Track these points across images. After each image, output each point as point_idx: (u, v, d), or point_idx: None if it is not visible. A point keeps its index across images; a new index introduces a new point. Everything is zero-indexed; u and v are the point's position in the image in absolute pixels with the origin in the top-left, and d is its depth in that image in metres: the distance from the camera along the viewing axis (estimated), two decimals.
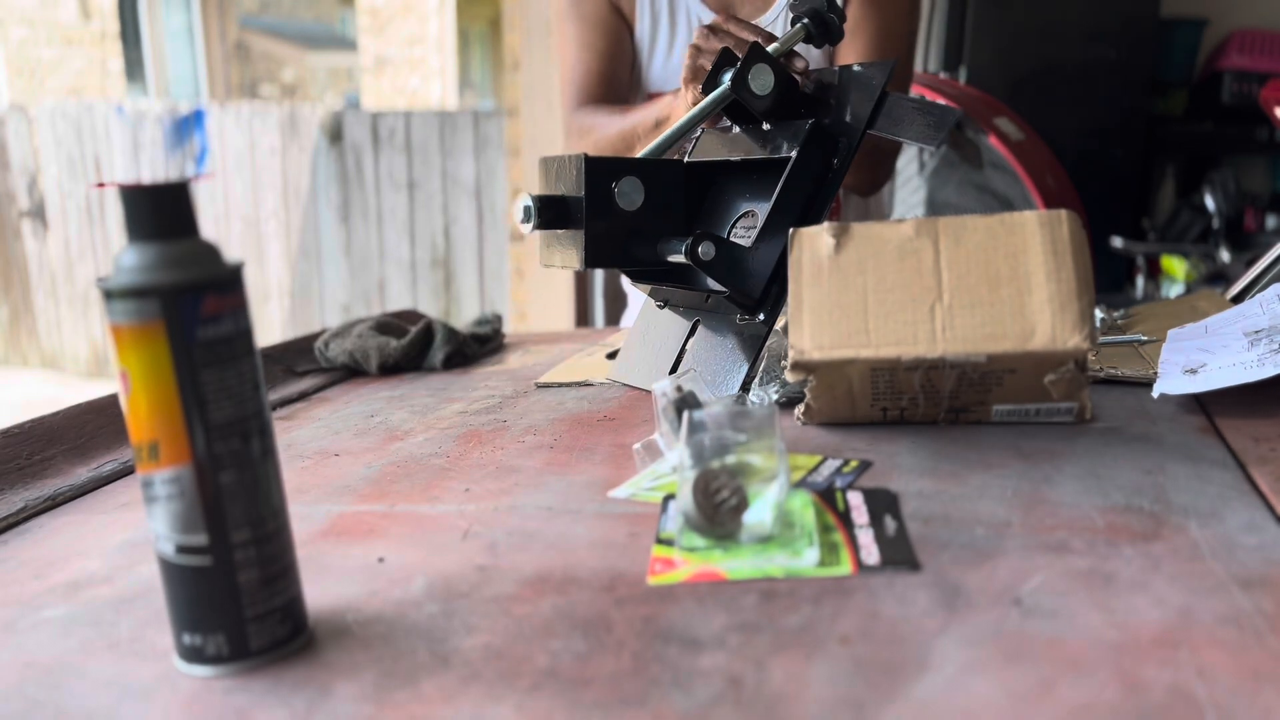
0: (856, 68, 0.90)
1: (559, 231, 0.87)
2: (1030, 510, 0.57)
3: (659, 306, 0.97)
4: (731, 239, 0.91)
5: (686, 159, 0.97)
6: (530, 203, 0.85)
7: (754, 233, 0.85)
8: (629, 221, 0.86)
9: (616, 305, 2.89)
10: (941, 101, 0.87)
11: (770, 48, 0.92)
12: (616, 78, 1.29)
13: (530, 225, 0.85)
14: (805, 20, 0.97)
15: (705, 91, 0.93)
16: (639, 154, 1.16)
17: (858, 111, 0.87)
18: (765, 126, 0.92)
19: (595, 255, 0.85)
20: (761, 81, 0.89)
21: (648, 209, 0.87)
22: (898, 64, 1.20)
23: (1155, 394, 0.74)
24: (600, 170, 0.85)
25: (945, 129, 0.82)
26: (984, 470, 0.64)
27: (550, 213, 0.86)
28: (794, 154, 0.85)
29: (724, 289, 0.84)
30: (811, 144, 0.85)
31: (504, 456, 0.75)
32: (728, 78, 0.90)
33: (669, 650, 0.44)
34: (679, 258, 0.82)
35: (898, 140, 1.23)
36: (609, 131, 1.20)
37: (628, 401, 0.90)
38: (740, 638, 0.45)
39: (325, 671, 0.45)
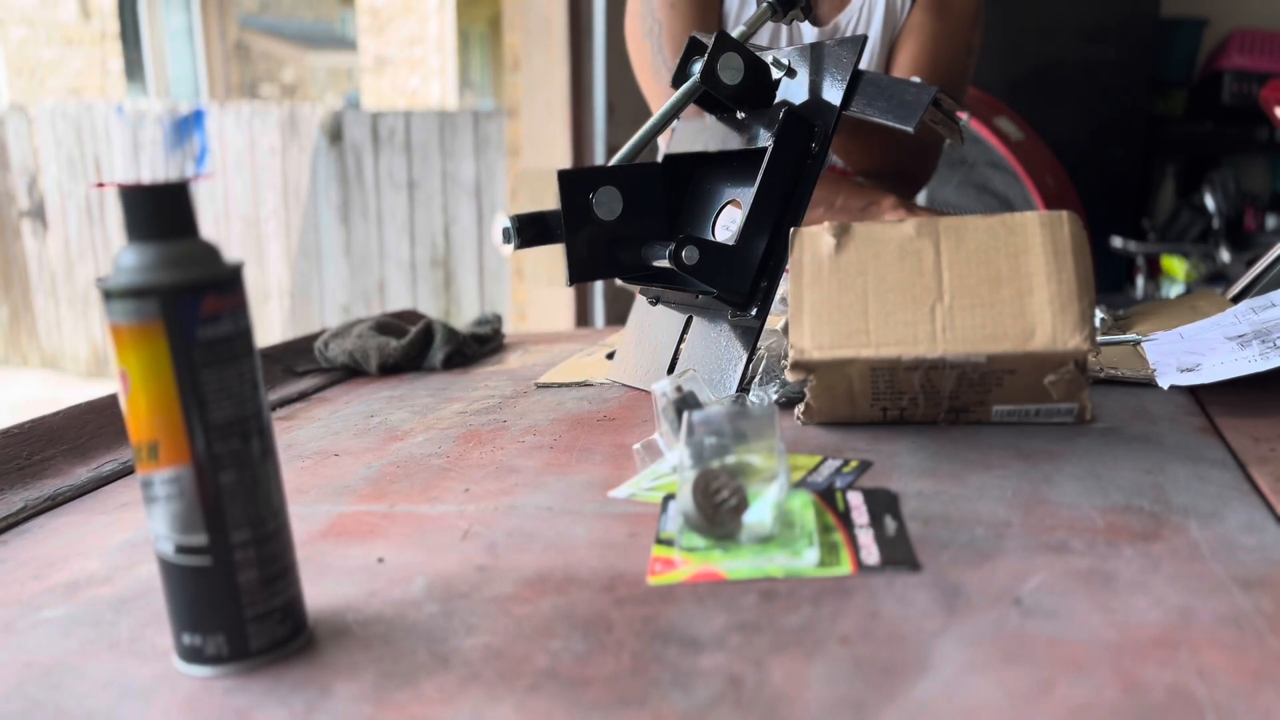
0: (828, 44, 0.88)
1: (542, 249, 0.87)
2: (1030, 510, 0.57)
3: (651, 303, 0.97)
4: (716, 232, 0.90)
5: (663, 154, 0.97)
6: (509, 224, 0.84)
7: (738, 225, 0.84)
8: (611, 230, 0.86)
9: (617, 305, 2.90)
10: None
11: (735, 33, 0.91)
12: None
13: (511, 246, 0.84)
14: (769, 0, 0.96)
15: (675, 84, 0.92)
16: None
17: (832, 90, 0.85)
18: (740, 115, 0.92)
19: (579, 270, 0.85)
20: (731, 71, 0.88)
21: (628, 215, 0.86)
22: (942, 68, 1.19)
23: (1165, 386, 0.75)
24: (575, 183, 0.84)
25: (920, 109, 0.80)
26: (984, 470, 0.64)
27: (531, 231, 0.85)
28: (770, 144, 0.84)
29: (712, 290, 0.83)
30: (787, 131, 0.84)
31: (504, 456, 0.75)
32: (697, 69, 0.89)
33: (669, 650, 0.44)
34: (664, 263, 0.82)
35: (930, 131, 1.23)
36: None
37: (628, 401, 0.90)
38: (740, 638, 0.45)
39: (325, 671, 0.44)
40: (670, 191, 0.92)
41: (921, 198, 2.69)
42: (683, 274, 0.81)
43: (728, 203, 0.90)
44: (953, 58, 1.20)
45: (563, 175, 0.83)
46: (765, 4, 0.95)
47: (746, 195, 0.85)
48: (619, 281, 0.98)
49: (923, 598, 0.47)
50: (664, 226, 0.91)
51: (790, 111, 0.84)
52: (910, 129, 0.79)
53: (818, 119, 0.85)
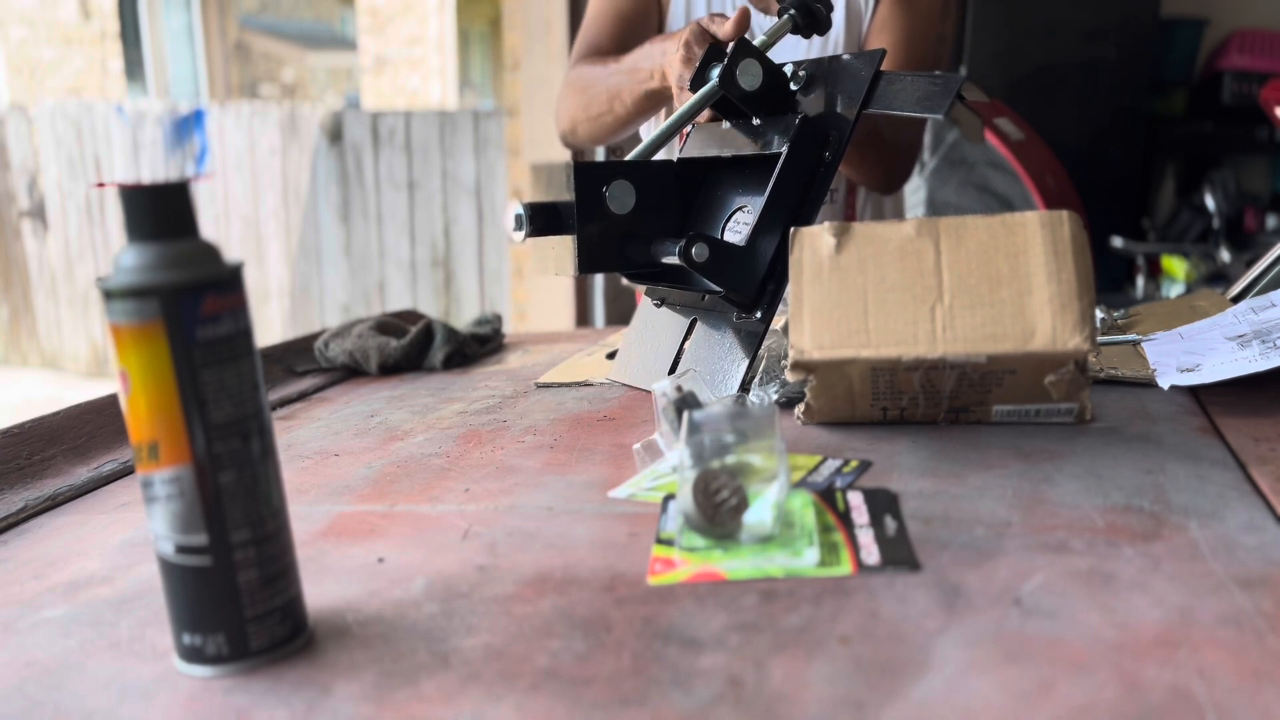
0: (845, 58, 0.89)
1: (552, 238, 0.87)
2: (1030, 510, 0.57)
3: (656, 305, 0.97)
4: (725, 235, 0.91)
5: (678, 156, 0.97)
6: (521, 210, 0.84)
7: (748, 229, 0.85)
8: (622, 224, 0.86)
9: (617, 305, 2.89)
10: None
11: (756, 41, 0.92)
12: (631, 43, 1.26)
13: (522, 233, 0.85)
14: (792, 11, 0.96)
15: (694, 88, 0.92)
16: (618, 113, 1.16)
17: (848, 103, 0.87)
18: (755, 121, 0.92)
19: (589, 260, 0.85)
20: (750, 77, 0.89)
21: (640, 211, 0.86)
22: (915, 62, 1.19)
23: (1165, 386, 0.75)
24: (590, 175, 0.84)
25: (949, 95, 0.80)
26: (984, 470, 0.64)
27: (542, 219, 0.85)
28: (784, 150, 0.84)
29: (719, 289, 0.84)
30: (802, 138, 0.85)
31: (504, 456, 0.75)
32: (716, 74, 0.90)
33: (669, 650, 0.44)
34: (673, 259, 0.82)
35: (909, 132, 1.23)
36: (597, 90, 1.19)
37: (628, 401, 0.90)
38: (740, 638, 0.45)
39: (325, 671, 0.44)
40: (682, 193, 0.92)
41: (920, 198, 2.69)
42: (691, 272, 0.81)
43: (738, 208, 0.91)
44: (925, 49, 1.20)
45: (578, 166, 0.83)
46: (787, 17, 0.96)
47: (757, 202, 0.85)
48: (625, 280, 0.98)
49: (923, 598, 0.47)
50: (674, 225, 0.91)
51: (805, 119, 0.85)
52: (941, 117, 0.79)
53: (832, 128, 0.86)
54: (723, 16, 1.00)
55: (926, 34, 1.20)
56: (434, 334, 1.15)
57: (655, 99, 1.12)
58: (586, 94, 1.21)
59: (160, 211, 0.43)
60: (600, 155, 2.74)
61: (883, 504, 0.59)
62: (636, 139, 1.07)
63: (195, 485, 0.44)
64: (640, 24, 1.28)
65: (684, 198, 0.93)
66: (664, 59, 1.05)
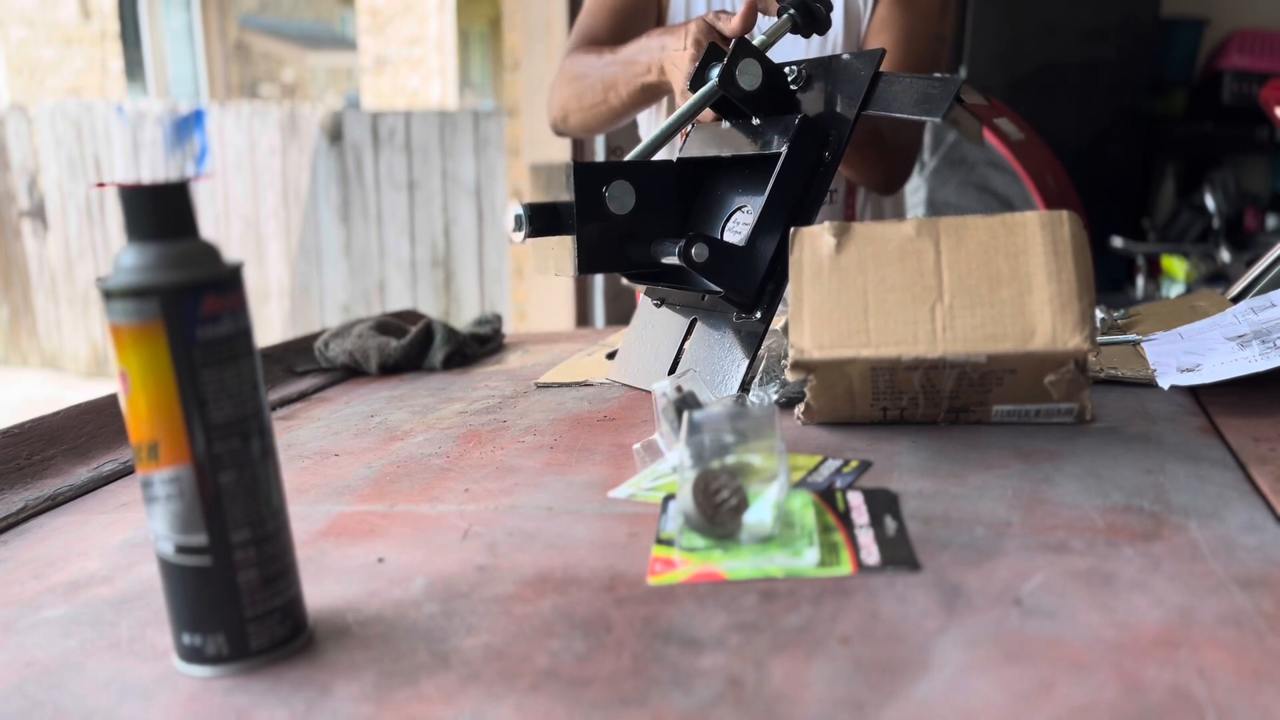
0: (845, 58, 0.89)
1: (552, 239, 0.87)
2: (1030, 510, 0.57)
3: (655, 305, 0.97)
4: (725, 236, 0.91)
5: (678, 156, 0.97)
6: (521, 211, 0.84)
7: (747, 229, 0.85)
8: (622, 224, 0.86)
9: (617, 305, 2.89)
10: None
11: (756, 41, 0.92)
12: (629, 35, 1.25)
13: (522, 234, 0.85)
14: (791, 11, 0.96)
15: (693, 88, 0.92)
16: (613, 104, 1.16)
17: (848, 103, 0.87)
18: (755, 121, 0.92)
19: (589, 261, 0.85)
20: (749, 76, 0.89)
21: (640, 211, 0.86)
22: (914, 62, 1.19)
23: (1165, 386, 0.75)
24: (590, 175, 0.84)
25: (948, 98, 0.80)
26: (984, 470, 0.64)
27: (541, 220, 0.86)
28: (784, 150, 0.84)
29: (719, 289, 0.84)
30: (801, 138, 0.85)
31: (504, 456, 0.75)
32: (715, 74, 0.90)
33: (669, 650, 0.44)
34: (673, 259, 0.82)
35: (909, 133, 1.23)
36: (592, 80, 1.19)
37: (628, 401, 0.90)
38: (740, 638, 0.45)
39: (325, 671, 0.44)
40: (682, 193, 0.92)
41: (920, 198, 2.69)
42: (691, 272, 0.81)
43: (738, 208, 0.91)
44: (924, 49, 1.20)
45: (577, 166, 0.83)
46: (786, 17, 0.96)
47: (757, 202, 0.85)
48: (625, 280, 0.98)
49: (923, 598, 0.47)
50: (674, 226, 0.91)
51: (805, 119, 0.85)
52: (939, 120, 0.80)
53: (832, 128, 0.86)
54: (726, 13, 1.00)
55: (925, 33, 1.20)
56: (434, 334, 1.15)
57: (651, 92, 1.12)
58: (581, 83, 1.21)
59: (160, 211, 0.43)
60: (600, 154, 2.74)
61: (883, 504, 0.59)
62: (636, 138, 1.07)
63: (195, 485, 0.44)
64: (638, 16, 1.28)
65: (684, 198, 0.93)
66: (663, 54, 1.05)
